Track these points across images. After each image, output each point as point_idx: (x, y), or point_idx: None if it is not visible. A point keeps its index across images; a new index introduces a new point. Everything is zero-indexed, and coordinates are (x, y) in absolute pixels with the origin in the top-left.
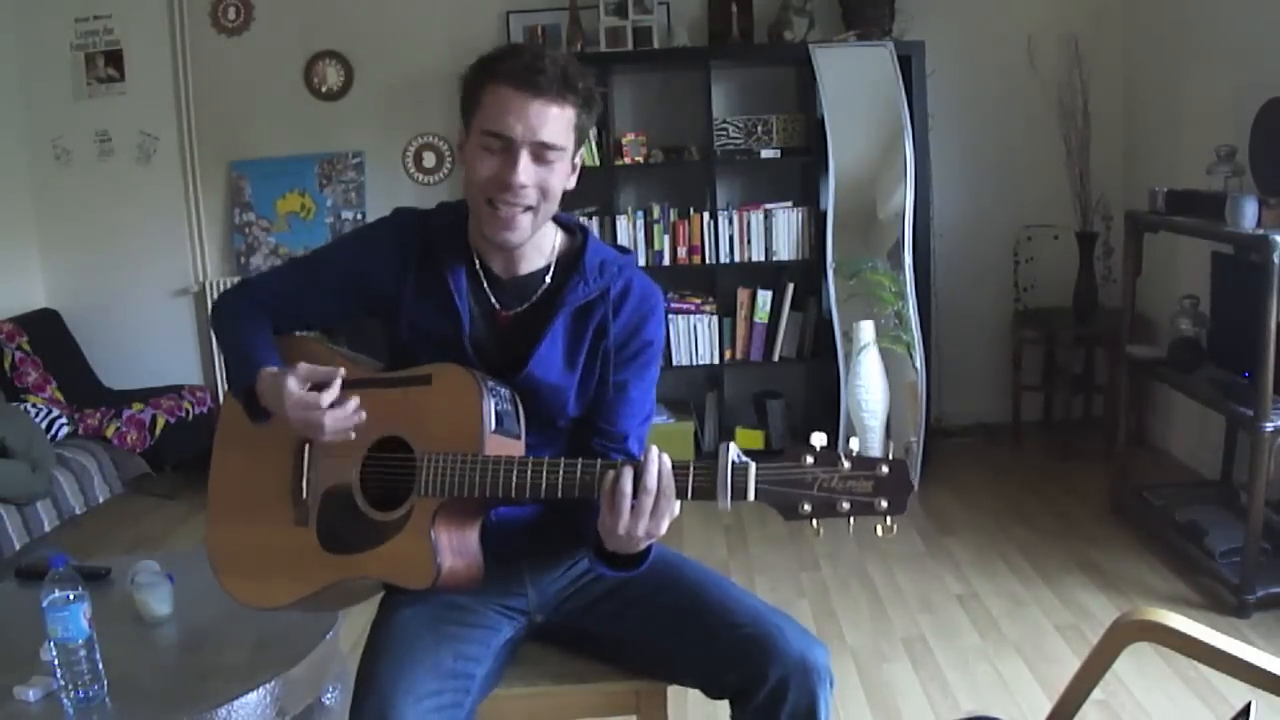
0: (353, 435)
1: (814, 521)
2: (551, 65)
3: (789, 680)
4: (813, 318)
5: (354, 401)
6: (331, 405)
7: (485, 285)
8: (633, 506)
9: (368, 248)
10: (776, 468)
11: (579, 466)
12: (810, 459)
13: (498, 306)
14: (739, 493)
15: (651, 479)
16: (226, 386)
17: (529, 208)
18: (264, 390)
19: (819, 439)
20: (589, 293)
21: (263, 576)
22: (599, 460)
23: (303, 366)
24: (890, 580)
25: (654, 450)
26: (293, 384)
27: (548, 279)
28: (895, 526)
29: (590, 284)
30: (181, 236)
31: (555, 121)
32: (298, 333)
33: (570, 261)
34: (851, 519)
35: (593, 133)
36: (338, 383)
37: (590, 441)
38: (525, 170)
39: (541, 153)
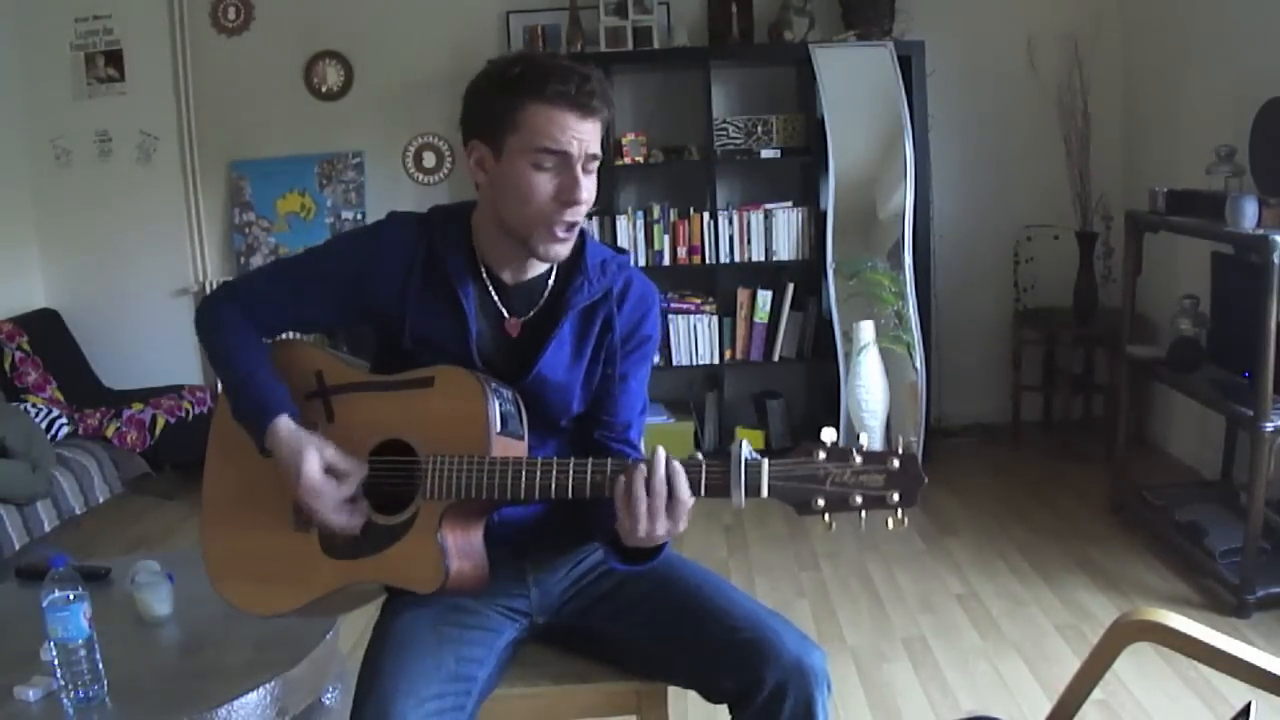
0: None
1: (826, 516)
2: (597, 84)
3: (786, 685)
4: (813, 318)
5: (359, 515)
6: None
7: (493, 294)
8: (647, 508)
9: (366, 255)
10: (789, 464)
11: (589, 467)
12: (822, 454)
13: (506, 315)
14: (753, 490)
15: (660, 483)
16: (221, 392)
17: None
18: (276, 443)
19: (829, 434)
20: (593, 293)
21: (263, 583)
22: (609, 460)
23: (328, 452)
24: (890, 580)
25: (660, 452)
26: (313, 469)
27: (551, 281)
28: (906, 520)
29: (594, 284)
30: (181, 236)
31: (597, 135)
32: (294, 336)
33: (571, 262)
34: (864, 512)
35: None
36: (352, 487)
37: (592, 434)
38: (585, 185)
39: (590, 164)
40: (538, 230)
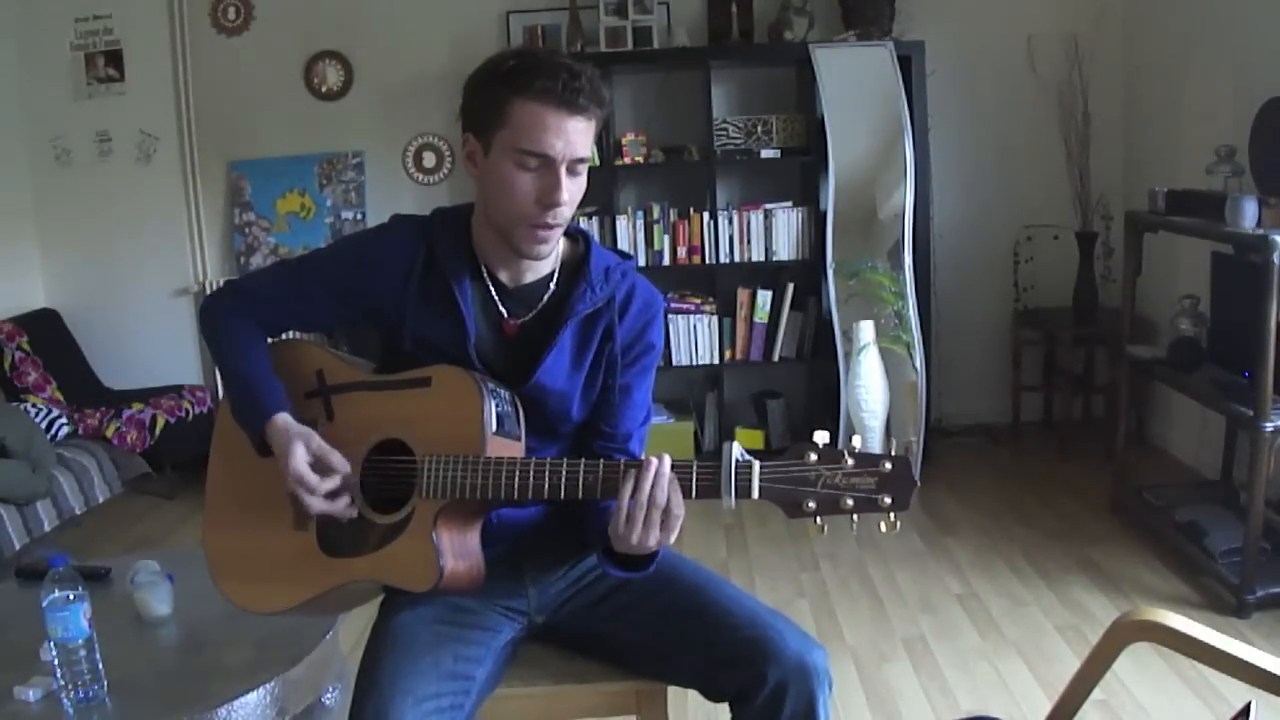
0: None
1: (818, 519)
2: (587, 83)
3: (787, 683)
4: (813, 318)
5: (345, 499)
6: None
7: (493, 294)
8: (644, 520)
9: (368, 258)
10: (780, 465)
11: (581, 467)
12: (814, 456)
13: (505, 316)
14: (743, 491)
15: (661, 494)
16: (223, 392)
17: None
18: (271, 439)
19: (821, 436)
20: (596, 301)
21: (262, 581)
22: (601, 461)
23: (316, 443)
24: (890, 580)
25: (653, 463)
26: (299, 460)
27: (553, 285)
28: (899, 523)
29: (597, 291)
30: (181, 236)
31: (586, 135)
32: (294, 335)
33: (574, 268)
34: (855, 516)
35: None
36: (338, 479)
37: (593, 444)
38: (567, 188)
39: (575, 166)
40: (519, 228)
